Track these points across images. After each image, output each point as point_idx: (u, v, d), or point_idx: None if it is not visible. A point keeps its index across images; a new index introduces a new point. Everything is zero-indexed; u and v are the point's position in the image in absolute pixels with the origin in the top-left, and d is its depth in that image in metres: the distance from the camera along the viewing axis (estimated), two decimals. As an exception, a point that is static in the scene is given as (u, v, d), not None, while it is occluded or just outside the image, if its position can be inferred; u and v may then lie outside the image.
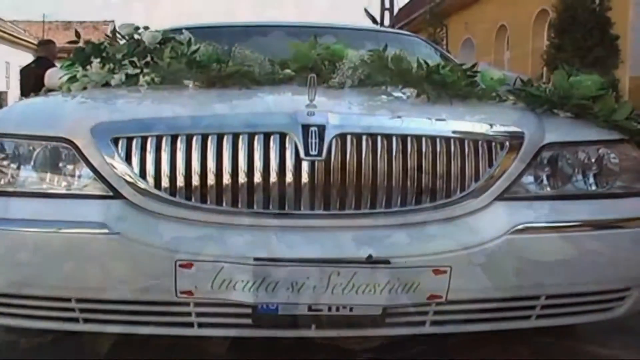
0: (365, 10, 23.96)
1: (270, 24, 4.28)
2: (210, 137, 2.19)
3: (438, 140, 2.25)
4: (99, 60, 3.15)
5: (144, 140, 2.21)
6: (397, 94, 2.62)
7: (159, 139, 2.21)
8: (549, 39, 9.53)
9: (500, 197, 2.31)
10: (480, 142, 2.28)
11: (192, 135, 2.20)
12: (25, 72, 9.64)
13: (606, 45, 8.78)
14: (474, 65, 2.68)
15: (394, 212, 2.23)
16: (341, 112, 2.27)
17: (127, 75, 3.01)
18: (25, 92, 8.13)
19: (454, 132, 2.28)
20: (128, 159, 2.21)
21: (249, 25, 4.21)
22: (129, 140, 2.22)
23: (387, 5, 23.77)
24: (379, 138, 2.21)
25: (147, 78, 2.90)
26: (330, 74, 2.87)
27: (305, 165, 2.17)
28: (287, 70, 2.94)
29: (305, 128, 2.18)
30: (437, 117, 2.34)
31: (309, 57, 3.00)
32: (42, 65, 7.58)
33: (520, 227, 2.23)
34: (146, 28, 3.40)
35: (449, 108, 2.44)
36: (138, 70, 3.00)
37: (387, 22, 23.61)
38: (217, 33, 3.90)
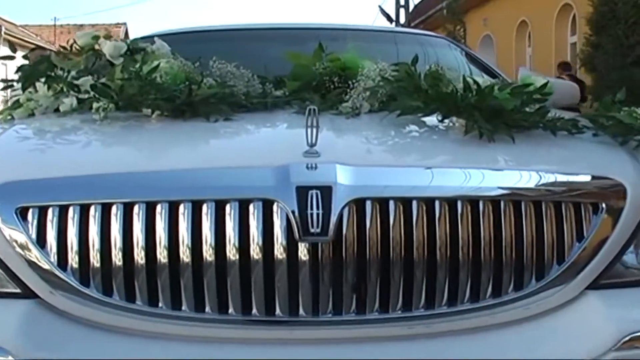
0: (380, 7, 23.17)
1: (264, 26, 3.48)
2: (159, 207, 1.45)
3: (503, 203, 1.50)
4: (43, 80, 2.45)
5: (62, 210, 1.48)
6: (433, 124, 1.86)
7: (84, 210, 1.47)
8: (585, 36, 8.64)
9: (595, 285, 1.56)
10: (563, 204, 1.53)
11: (133, 203, 1.46)
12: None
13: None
14: (545, 85, 1.91)
15: (439, 314, 1.48)
16: (357, 162, 1.53)
17: (78, 99, 2.28)
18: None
19: (524, 189, 1.53)
20: (41, 239, 1.49)
21: (238, 29, 3.42)
22: (43, 210, 1.49)
23: (402, 2, 23.00)
24: (414, 204, 1.46)
25: (101, 104, 2.16)
26: (341, 95, 2.13)
27: (302, 250, 1.44)
28: (279, 92, 2.20)
29: (302, 191, 1.44)
30: (500, 166, 1.60)
31: (312, 73, 2.25)
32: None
33: (634, 335, 1.47)
34: (108, 37, 2.67)
35: (512, 149, 1.69)
36: (90, 94, 2.27)
37: (402, 19, 22.87)
38: (198, 40, 3.16)
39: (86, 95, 2.25)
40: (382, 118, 1.87)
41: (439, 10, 19.81)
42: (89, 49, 2.66)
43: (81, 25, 41.52)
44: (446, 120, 1.81)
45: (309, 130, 1.51)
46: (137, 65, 2.11)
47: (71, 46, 2.82)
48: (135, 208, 1.46)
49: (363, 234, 1.44)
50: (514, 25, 18.06)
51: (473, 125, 1.70)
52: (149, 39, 2.75)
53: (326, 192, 1.43)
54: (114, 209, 1.46)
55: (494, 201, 1.50)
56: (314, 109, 1.53)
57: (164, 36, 3.08)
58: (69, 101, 2.29)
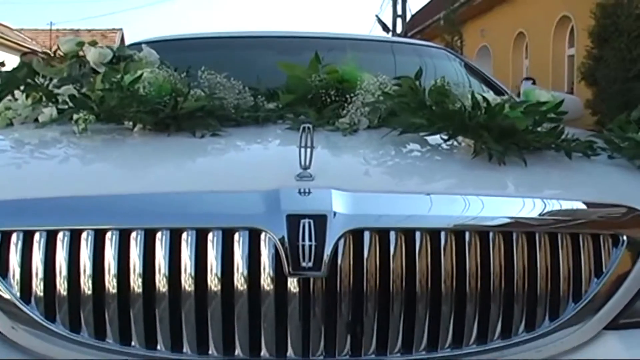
0: (377, 17, 23.08)
1: (258, 34, 3.32)
2: (134, 235, 1.31)
3: (515, 235, 1.35)
4: (22, 88, 2.30)
5: (27, 236, 1.33)
6: (437, 143, 1.72)
7: (51, 235, 1.33)
8: (587, 49, 8.48)
9: (615, 325, 1.42)
10: (581, 236, 1.39)
11: (105, 230, 1.31)
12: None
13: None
14: (560, 103, 1.77)
15: (443, 358, 1.33)
16: (355, 187, 1.38)
17: (59, 109, 2.13)
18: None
19: (538, 219, 1.39)
20: (2, 267, 1.34)
21: (232, 37, 3.26)
22: (6, 236, 1.34)
23: (399, 12, 22.91)
24: (418, 235, 1.31)
25: (81, 116, 2.01)
26: (338, 109, 1.99)
27: (293, 285, 1.29)
28: (272, 105, 2.06)
29: (294, 220, 1.29)
30: (511, 193, 1.46)
31: (308, 85, 2.10)
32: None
33: None
34: (93, 43, 2.53)
35: (523, 173, 1.55)
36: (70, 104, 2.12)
37: (399, 29, 22.77)
38: (189, 48, 3.02)
39: (66, 105, 2.11)
40: (382, 136, 1.72)
41: (436, 21, 19.72)
42: (73, 56, 2.53)
43: (77, 30, 41.38)
44: (452, 140, 1.67)
45: (303, 150, 1.37)
46: (119, 75, 1.95)
47: (54, 52, 2.68)
48: (108, 234, 1.31)
49: (360, 268, 1.29)
50: (512, 36, 17.99)
51: (482, 146, 1.55)
52: (138, 46, 2.61)
53: (320, 221, 1.28)
54: (84, 235, 1.32)
55: (505, 232, 1.35)
56: (309, 127, 1.38)
57: (154, 43, 2.95)
58: (49, 111, 2.15)
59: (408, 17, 22.98)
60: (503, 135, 1.60)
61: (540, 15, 15.83)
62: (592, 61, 8.34)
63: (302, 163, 1.36)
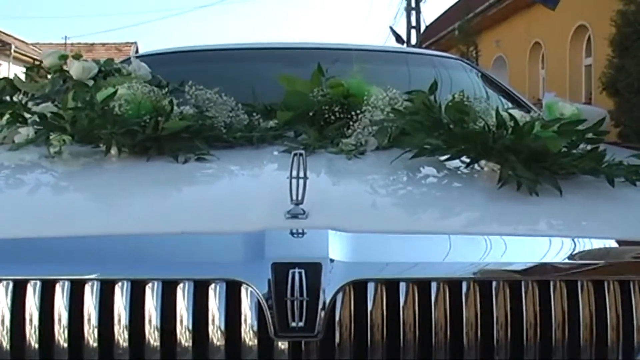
0: (391, 28, 22.84)
1: (258, 46, 3.07)
2: (88, 287, 1.07)
3: (553, 284, 1.11)
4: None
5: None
6: (455, 167, 1.47)
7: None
8: (608, 58, 8.19)
9: None
10: (631, 283, 1.15)
11: (54, 281, 1.08)
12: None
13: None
14: (601, 122, 1.52)
15: None
16: (358, 226, 1.14)
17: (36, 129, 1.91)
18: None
19: (580, 264, 1.15)
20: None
21: (230, 49, 3.01)
22: None
23: (413, 23, 22.70)
24: (434, 286, 1.07)
25: (55, 137, 1.79)
26: (343, 128, 1.76)
27: (280, 350, 1.04)
28: (271, 123, 1.83)
29: (281, 270, 1.05)
30: (547, 231, 1.22)
31: (309, 101, 1.87)
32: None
33: None
34: (77, 57, 2.31)
35: (559, 205, 1.30)
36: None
37: (413, 40, 22.56)
38: (184, 61, 2.80)
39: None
40: (392, 160, 1.48)
41: (451, 32, 19.54)
42: (56, 70, 2.32)
43: (92, 44, 41.58)
44: (473, 165, 1.42)
45: (294, 182, 1.13)
46: (94, 92, 1.72)
47: (38, 66, 2.48)
48: (59, 283, 1.08)
49: (363, 325, 1.05)
50: (528, 46, 17.84)
51: (509, 173, 1.31)
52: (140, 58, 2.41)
53: (314, 271, 1.05)
54: (29, 285, 1.09)
55: (543, 281, 1.11)
56: (301, 154, 1.15)
57: (148, 57, 2.75)
58: (25, 131, 1.93)
59: (422, 28, 22.79)
60: (533, 159, 1.35)
61: (556, 25, 15.68)
62: (614, 70, 8.06)
63: (294, 197, 1.13)
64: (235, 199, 1.29)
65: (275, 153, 1.65)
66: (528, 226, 1.24)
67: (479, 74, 3.24)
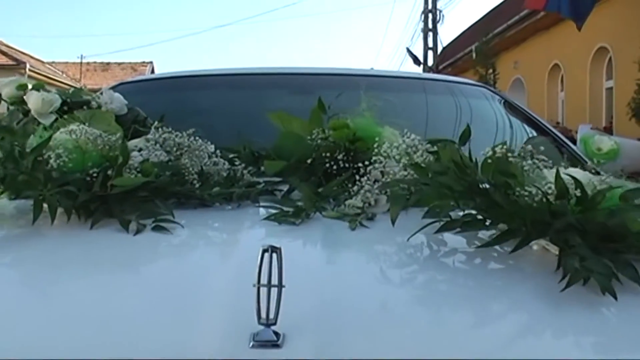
0: (408, 49, 22.53)
1: (247, 71, 2.57)
2: None
3: None
4: None
5: None
6: (496, 249, 1.08)
7: None
8: (638, 83, 7.74)
9: None
10: None
11: None
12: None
13: None
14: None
15: None
16: (356, 354, 0.75)
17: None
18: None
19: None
20: None
21: (215, 75, 2.54)
22: None
23: (430, 44, 22.40)
24: None
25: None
26: (348, 183, 1.38)
27: None
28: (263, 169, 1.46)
29: None
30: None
31: (306, 147, 1.50)
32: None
33: None
34: (38, 87, 1.97)
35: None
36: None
37: (430, 62, 22.27)
38: (173, 88, 2.43)
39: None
40: (409, 236, 1.09)
41: (468, 53, 19.30)
42: (14, 102, 1.98)
43: (108, 63, 41.68)
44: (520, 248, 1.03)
45: (264, 292, 0.75)
46: (23, 138, 1.35)
47: (-1, 97, 2.14)
48: None
49: None
50: (546, 68, 17.70)
51: (574, 265, 0.92)
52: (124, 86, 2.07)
53: None
54: None
55: None
56: (275, 250, 0.77)
57: (134, 83, 2.40)
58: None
59: (439, 50, 22.56)
60: (605, 239, 0.97)
61: (576, 47, 15.53)
62: (644, 96, 7.63)
63: (262, 316, 0.74)
64: (183, 310, 0.90)
65: (255, 219, 1.28)
66: (603, 351, 0.85)
67: (505, 102, 2.83)
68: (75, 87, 2.09)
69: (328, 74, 2.44)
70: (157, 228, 1.18)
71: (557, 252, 0.98)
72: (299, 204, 1.28)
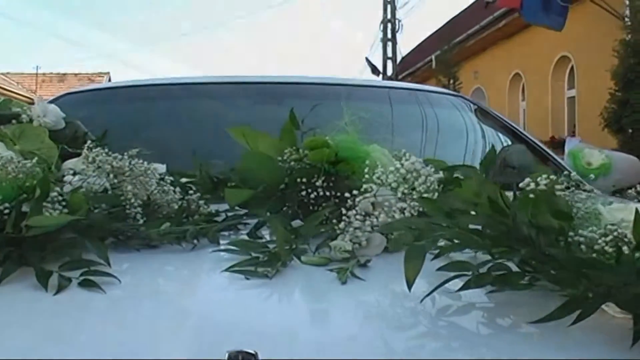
0: (367, 59, 22.44)
1: (206, 80, 2.24)
2: None
3: None
4: None
5: None
6: (529, 305, 0.80)
7: None
8: (610, 92, 7.56)
9: None
10: None
11: None
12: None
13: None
14: None
15: None
16: None
17: None
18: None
19: None
20: None
21: (179, 84, 2.21)
22: None
23: (389, 54, 22.35)
24: None
25: None
26: (331, 218, 1.10)
27: None
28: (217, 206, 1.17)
29: None
30: None
31: (277, 171, 1.21)
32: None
33: None
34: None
35: None
36: None
37: (389, 72, 22.23)
38: (128, 98, 2.12)
39: None
40: (422, 298, 0.81)
41: (428, 63, 19.30)
42: None
43: (64, 74, 41.00)
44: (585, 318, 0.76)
45: None
46: None
47: None
48: None
49: None
50: (507, 78, 17.80)
51: None
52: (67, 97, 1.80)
53: None
54: None
55: None
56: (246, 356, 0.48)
57: (76, 94, 2.12)
58: None
59: (398, 59, 22.57)
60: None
61: (537, 56, 15.66)
62: (617, 105, 7.43)
63: None
64: None
65: (219, 267, 0.99)
66: None
67: (482, 112, 2.59)
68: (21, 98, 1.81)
69: (299, 83, 2.14)
70: (85, 283, 0.89)
71: (630, 319, 0.72)
72: (271, 246, 1.00)
